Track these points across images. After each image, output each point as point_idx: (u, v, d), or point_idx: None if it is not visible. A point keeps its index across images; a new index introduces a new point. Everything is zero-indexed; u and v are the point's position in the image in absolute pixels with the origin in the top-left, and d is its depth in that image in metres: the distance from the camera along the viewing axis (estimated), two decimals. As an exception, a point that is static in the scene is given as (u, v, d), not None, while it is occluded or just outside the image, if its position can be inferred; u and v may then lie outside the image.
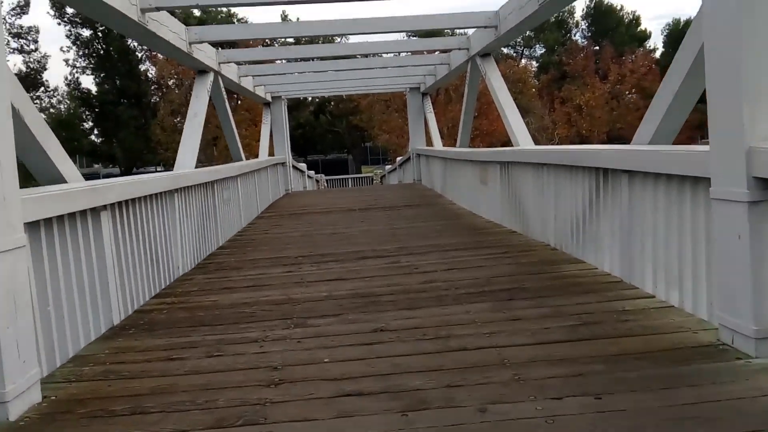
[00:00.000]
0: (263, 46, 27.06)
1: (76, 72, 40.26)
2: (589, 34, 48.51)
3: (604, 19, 48.14)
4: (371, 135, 39.26)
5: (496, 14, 7.00)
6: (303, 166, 17.68)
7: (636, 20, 49.36)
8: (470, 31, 8.63)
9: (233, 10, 37.03)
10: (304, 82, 13.72)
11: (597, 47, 44.24)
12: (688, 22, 49.47)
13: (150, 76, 37.47)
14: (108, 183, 3.73)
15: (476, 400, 2.32)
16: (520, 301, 3.70)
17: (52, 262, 3.02)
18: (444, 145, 15.03)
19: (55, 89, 40.28)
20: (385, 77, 13.50)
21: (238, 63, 9.67)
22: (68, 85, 40.45)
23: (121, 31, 5.91)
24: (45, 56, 38.99)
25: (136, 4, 4.98)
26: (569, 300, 3.66)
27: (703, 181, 2.96)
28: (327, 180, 26.89)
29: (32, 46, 38.21)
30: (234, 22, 34.91)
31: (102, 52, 39.11)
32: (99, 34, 37.25)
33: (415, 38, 13.02)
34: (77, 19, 37.20)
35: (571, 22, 49.02)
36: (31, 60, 38.46)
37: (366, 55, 11.88)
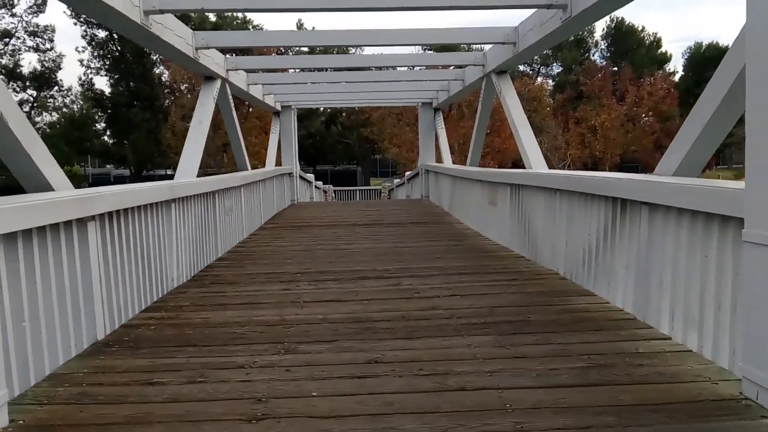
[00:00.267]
0: (278, 54, 27.02)
1: (90, 72, 40.62)
2: (608, 55, 48.31)
3: (624, 40, 47.93)
4: (381, 148, 39.14)
5: (515, 30, 6.82)
6: (310, 176, 17.54)
7: (657, 42, 49.11)
8: (486, 48, 8.47)
9: (249, 16, 37.15)
10: (314, 93, 13.61)
11: (615, 68, 44.00)
12: (710, 46, 49.22)
13: (164, 79, 37.60)
14: (97, 192, 3.56)
15: (473, 453, 2.11)
16: (526, 336, 3.48)
17: (29, 275, 2.85)
18: (454, 162, 14.86)
19: (69, 89, 40.66)
20: (398, 91, 13.37)
21: (247, 71, 9.53)
22: (82, 85, 40.77)
23: (124, 34, 5.76)
24: (60, 56, 39.51)
25: (139, 5, 4.84)
26: (578, 337, 3.44)
27: (734, 221, 2.75)
28: (335, 191, 26.78)
29: (48, 45, 38.65)
30: (249, 29, 34.97)
31: (117, 53, 39.34)
32: (114, 35, 37.51)
33: (429, 52, 12.82)
34: (93, 20, 37.50)
35: (590, 41, 48.88)
36: (46, 59, 38.87)
37: (379, 68, 11.72)
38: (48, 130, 38.48)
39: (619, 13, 49.55)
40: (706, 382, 2.73)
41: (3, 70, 37.62)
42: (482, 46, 8.59)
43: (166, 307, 4.26)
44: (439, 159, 14.53)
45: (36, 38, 38.33)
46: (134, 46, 37.16)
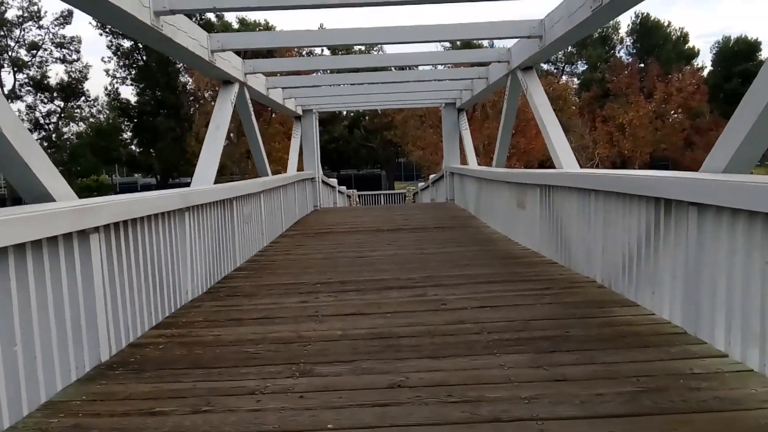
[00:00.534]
0: (299, 56, 26.90)
1: (116, 82, 41.17)
2: (634, 51, 47.37)
3: (650, 36, 46.99)
4: (405, 151, 38.84)
5: (541, 23, 6.46)
6: (333, 181, 17.34)
7: (684, 37, 48.04)
8: (510, 44, 8.12)
9: (271, 22, 37.21)
10: (336, 95, 13.38)
11: (642, 64, 43.09)
12: (738, 40, 47.95)
13: (189, 88, 37.86)
14: (100, 202, 3.34)
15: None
16: (565, 354, 3.15)
17: (22, 294, 2.62)
18: (479, 163, 14.49)
19: (96, 99, 41.23)
20: (420, 91, 13.07)
21: (266, 74, 9.33)
22: (108, 95, 41.35)
23: (135, 36, 5.59)
24: (87, 66, 40.12)
25: (149, 6, 4.63)
26: (624, 355, 3.10)
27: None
28: (359, 195, 26.59)
29: (74, 56, 39.24)
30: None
31: (142, 63, 39.78)
32: (139, 45, 37.95)
33: (451, 50, 12.55)
34: (118, 30, 38.02)
35: (615, 38, 48.02)
36: (73, 69, 39.47)
37: (401, 68, 11.43)
38: (75, 140, 39.08)
39: (644, 8, 48.60)
40: (776, 410, 2.38)
41: (31, 82, 38.29)
42: (506, 42, 8.23)
43: (177, 323, 4.03)
44: (463, 161, 14.19)
45: (63, 49, 39.01)
46: (158, 55, 37.59)
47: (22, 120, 37.78)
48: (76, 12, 37.23)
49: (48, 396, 2.75)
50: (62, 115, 39.97)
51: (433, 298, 4.52)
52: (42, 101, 39.40)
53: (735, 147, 3.35)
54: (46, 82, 39.20)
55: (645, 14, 47.66)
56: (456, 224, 9.62)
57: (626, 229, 4.33)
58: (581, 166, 6.64)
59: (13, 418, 2.51)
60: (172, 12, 4.88)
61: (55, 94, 39.40)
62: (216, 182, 6.44)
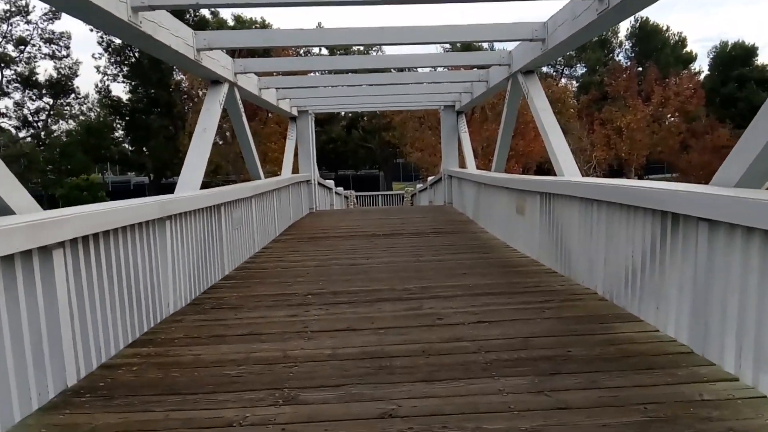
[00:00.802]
0: (295, 56, 26.64)
1: (107, 79, 40.38)
2: (633, 55, 47.26)
3: (648, 40, 46.92)
4: (403, 152, 38.60)
5: (544, 26, 6.25)
6: (330, 182, 17.08)
7: (682, 41, 48.02)
8: (511, 47, 7.92)
9: (267, 20, 36.95)
10: (332, 97, 13.14)
11: (640, 68, 42.99)
12: (735, 45, 47.90)
13: (182, 86, 37.33)
14: (67, 214, 3.10)
15: None
16: (567, 377, 2.94)
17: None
18: (478, 166, 14.29)
19: (86, 96, 40.47)
20: (419, 93, 12.87)
21: (258, 74, 9.09)
22: (99, 92, 40.54)
23: (113, 33, 5.34)
24: (77, 62, 39.17)
25: (126, 1, 4.39)
26: (629, 379, 2.90)
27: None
28: (357, 196, 26.36)
29: (64, 52, 38.45)
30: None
31: (134, 59, 39.17)
32: (130, 41, 37.44)
33: (451, 52, 12.31)
34: (96, 27, 37.55)
35: (614, 41, 47.92)
36: (63, 66, 38.64)
37: (400, 69, 11.23)
38: (65, 139, 38.40)
39: (643, 12, 48.48)
40: (800, 447, 2.18)
41: (19, 78, 37.64)
42: (507, 45, 8.02)
43: (155, 341, 3.80)
44: (462, 164, 13.98)
45: (52, 45, 38.14)
46: (152, 52, 37.20)
47: (9, 118, 37.19)
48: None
49: (4, 429, 2.53)
50: (51, 112, 39.20)
51: (429, 311, 4.31)
52: (30, 98, 38.59)
53: (751, 159, 3.14)
54: (34, 78, 38.32)
55: (644, 18, 47.58)
56: (454, 229, 9.41)
57: (630, 241, 4.13)
58: (579, 169, 6.41)
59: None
60: (152, 8, 4.63)
61: (44, 91, 38.57)
62: (211, 183, 6.20)
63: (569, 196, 5.34)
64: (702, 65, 55.53)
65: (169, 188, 5.12)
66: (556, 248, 5.71)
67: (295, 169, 13.60)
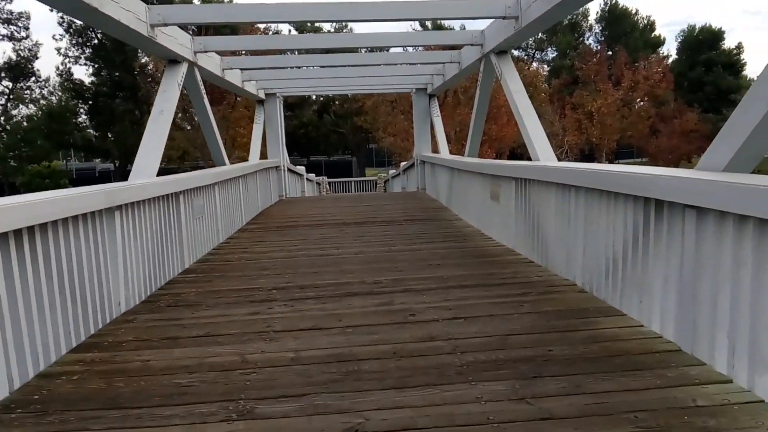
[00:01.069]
0: (263, 33, 25.88)
1: (69, 62, 38.71)
2: (603, 39, 47.47)
3: (618, 24, 47.16)
4: (375, 137, 38.19)
5: (517, 2, 5.97)
6: (301, 168, 16.69)
7: (651, 25, 48.35)
8: (484, 26, 7.64)
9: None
10: (301, 79, 12.72)
11: (610, 52, 43.22)
12: (703, 29, 48.42)
13: (148, 69, 36.09)
14: None
15: None
16: (549, 381, 2.72)
17: None
18: (451, 151, 14.04)
19: (47, 80, 38.82)
20: (390, 76, 12.52)
21: (219, 53, 8.63)
22: (60, 75, 38.88)
23: (56, 6, 4.88)
24: (36, 44, 37.36)
25: (67, -28, 4.02)
26: (616, 382, 2.69)
27: None
28: (329, 182, 25.97)
29: (23, 33, 36.81)
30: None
31: (96, 41, 37.73)
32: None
33: (422, 31, 12.01)
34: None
35: (584, 25, 48.06)
36: (22, 48, 36.95)
37: (371, 50, 10.86)
38: (25, 124, 36.95)
39: (613, -6, 48.60)
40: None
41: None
42: (480, 25, 7.71)
43: (101, 345, 3.47)
44: (435, 148, 13.73)
45: (10, 26, 36.37)
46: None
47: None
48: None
49: None
50: (11, 96, 37.57)
51: (401, 307, 4.05)
52: (-12, 82, 37.14)
53: (740, 142, 2.93)
54: (-8, 61, 36.95)
55: (614, 2, 47.75)
56: (427, 216, 9.16)
57: (610, 230, 3.92)
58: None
59: None
60: (98, -20, 4.24)
61: (2, 74, 36.97)
62: (179, 170, 5.81)
63: (545, 182, 5.12)
64: (670, 49, 55.98)
65: (102, 184, 4.62)
66: (533, 237, 5.50)
67: (264, 155, 13.19)
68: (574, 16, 45.95)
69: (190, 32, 7.20)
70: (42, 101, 38.37)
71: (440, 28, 27.63)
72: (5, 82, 37.51)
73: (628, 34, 46.62)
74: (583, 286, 4.38)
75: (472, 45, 8.08)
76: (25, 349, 2.90)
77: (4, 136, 35.78)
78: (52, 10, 34.84)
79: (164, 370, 3.03)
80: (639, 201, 3.52)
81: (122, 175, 36.65)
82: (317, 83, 13.26)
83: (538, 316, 3.74)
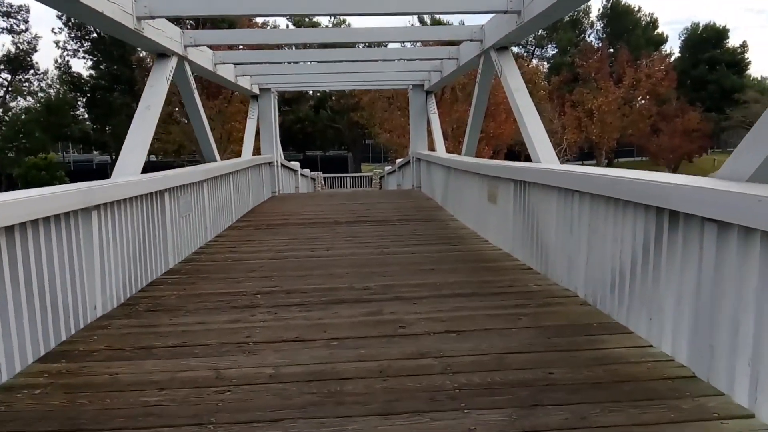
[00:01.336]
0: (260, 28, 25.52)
1: (68, 55, 38.73)
2: (604, 36, 47.20)
3: (620, 21, 46.89)
4: (372, 133, 37.90)
5: (520, -4, 5.72)
6: (295, 164, 16.42)
7: (653, 23, 48.09)
8: (484, 21, 7.38)
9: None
10: (296, 74, 12.44)
11: (611, 49, 42.96)
12: (707, 27, 48.13)
13: (146, 63, 35.83)
14: None
15: None
16: (551, 411, 2.47)
17: None
18: (448, 148, 13.80)
19: (45, 72, 38.77)
20: (387, 72, 12.26)
21: (212, 47, 8.36)
22: (59, 68, 38.86)
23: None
24: (36, 37, 37.61)
25: (42, -42, 3.75)
26: (625, 413, 2.44)
27: None
28: (325, 178, 25.72)
29: (22, 26, 36.80)
30: None
31: (95, 35, 37.56)
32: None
33: (420, 26, 11.77)
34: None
35: (586, 22, 47.79)
36: (21, 41, 37.03)
37: (369, 45, 10.61)
38: (23, 116, 36.79)
39: (615, -8, 48.31)
40: None
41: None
42: (480, 20, 7.46)
43: (71, 354, 3.22)
44: (431, 146, 13.47)
45: (10, 19, 36.48)
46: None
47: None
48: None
49: None
50: (9, 89, 37.47)
51: (391, 317, 3.81)
52: (-13, 74, 36.98)
53: (766, 152, 2.68)
54: (-9, 53, 36.78)
55: (616, -1, 47.50)
56: (422, 216, 8.91)
57: (617, 240, 3.67)
58: (553, 154, 5.93)
59: None
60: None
61: (1, 67, 36.92)
62: (174, 164, 5.55)
63: (547, 186, 4.87)
64: (673, 47, 55.94)
65: (79, 182, 4.33)
66: (532, 242, 5.26)
67: (258, 151, 12.92)
68: (576, 13, 45.67)
69: (188, 26, 6.93)
70: (40, 94, 38.36)
71: (439, 23, 27.29)
72: (4, 75, 37.49)
73: (630, 31, 46.38)
74: (585, 298, 4.14)
75: (471, 41, 7.82)
76: (-16, 363, 2.66)
77: (3, 127, 35.56)
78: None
79: (133, 385, 2.78)
80: (651, 210, 3.28)
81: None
82: (313, 78, 12.99)
83: (537, 332, 3.49)
